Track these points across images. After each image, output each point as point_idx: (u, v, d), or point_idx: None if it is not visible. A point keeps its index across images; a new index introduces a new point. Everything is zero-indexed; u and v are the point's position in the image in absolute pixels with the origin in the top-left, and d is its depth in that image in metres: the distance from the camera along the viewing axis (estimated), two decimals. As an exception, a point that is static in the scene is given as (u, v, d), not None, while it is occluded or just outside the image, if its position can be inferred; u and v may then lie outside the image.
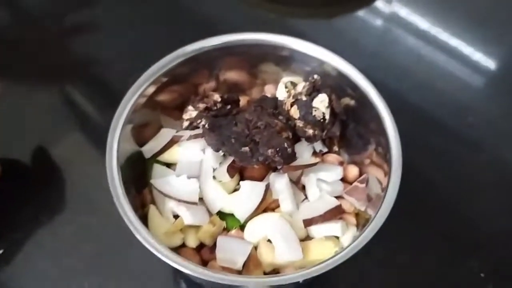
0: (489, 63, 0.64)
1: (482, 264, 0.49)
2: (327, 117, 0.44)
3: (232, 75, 0.50)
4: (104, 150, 0.40)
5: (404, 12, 0.68)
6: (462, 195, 0.53)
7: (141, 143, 0.45)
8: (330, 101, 0.44)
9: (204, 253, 0.41)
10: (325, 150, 0.47)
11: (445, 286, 0.48)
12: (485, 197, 0.53)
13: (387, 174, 0.41)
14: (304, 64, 0.48)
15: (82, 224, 0.50)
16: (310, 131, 0.43)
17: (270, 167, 0.43)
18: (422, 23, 0.66)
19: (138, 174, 0.44)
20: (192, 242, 0.41)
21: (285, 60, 0.48)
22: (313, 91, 0.44)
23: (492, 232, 0.51)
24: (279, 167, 0.42)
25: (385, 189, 0.39)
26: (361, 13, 0.68)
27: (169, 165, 0.44)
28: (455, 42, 0.65)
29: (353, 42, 0.65)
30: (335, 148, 0.47)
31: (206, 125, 0.42)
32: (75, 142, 0.56)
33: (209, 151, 0.42)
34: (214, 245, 0.41)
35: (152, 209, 0.42)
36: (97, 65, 0.62)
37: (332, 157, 0.46)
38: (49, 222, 0.50)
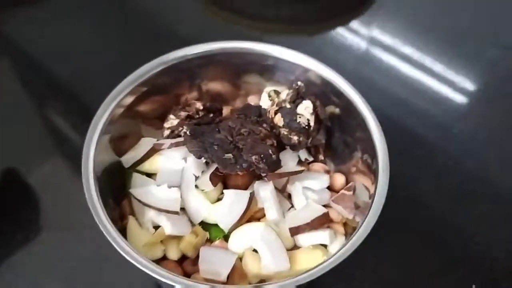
0: (469, 78, 0.64)
1: (473, 274, 0.48)
2: (312, 123, 0.43)
3: (215, 86, 0.49)
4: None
5: (383, 34, 0.68)
6: (450, 204, 0.53)
7: (121, 154, 0.44)
8: (315, 107, 0.43)
9: (187, 265, 0.39)
10: (311, 159, 0.46)
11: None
12: (473, 206, 0.53)
13: (374, 181, 0.40)
14: (287, 73, 0.47)
15: (58, 241, 0.48)
16: (295, 138, 0.42)
17: (255, 175, 0.41)
18: (401, 45, 0.67)
19: (117, 185, 0.43)
20: (173, 254, 0.39)
21: (268, 69, 0.48)
22: (297, 98, 0.44)
23: (482, 241, 0.50)
24: (263, 174, 0.40)
25: (372, 196, 0.38)
26: (340, 32, 0.68)
27: (149, 175, 0.43)
28: (433, 60, 0.65)
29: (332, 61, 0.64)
30: (321, 157, 0.47)
31: (188, 132, 0.40)
32: (51, 159, 0.54)
33: (191, 159, 0.41)
34: (197, 257, 0.39)
35: (131, 220, 0.40)
36: (72, 81, 0.60)
37: (318, 165, 0.45)
38: (24, 241, 0.48)
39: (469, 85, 0.63)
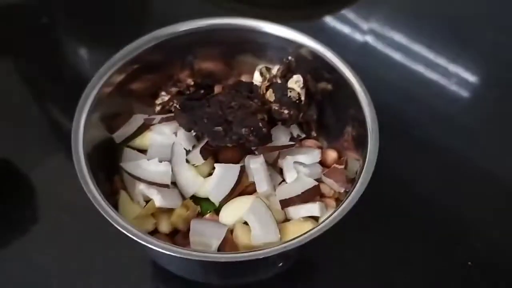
0: (468, 65, 0.64)
1: (469, 252, 0.48)
2: (303, 98, 0.43)
3: (207, 64, 0.49)
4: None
5: (383, 27, 0.67)
6: (445, 185, 0.52)
7: (113, 131, 0.44)
8: (305, 81, 0.43)
9: (178, 238, 0.39)
10: (303, 135, 0.46)
11: (432, 274, 0.47)
12: (468, 187, 0.52)
13: (366, 152, 0.39)
14: (280, 51, 0.47)
15: (53, 221, 0.48)
16: (286, 112, 0.42)
17: (245, 149, 0.41)
18: (398, 33, 0.66)
19: (110, 162, 0.43)
20: (164, 227, 0.39)
21: (260, 47, 0.48)
22: (287, 73, 0.44)
23: (477, 220, 0.50)
24: (254, 148, 0.40)
25: (362, 165, 0.38)
26: (335, 20, 0.68)
27: (141, 151, 0.43)
28: (432, 48, 0.65)
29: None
30: (313, 133, 0.46)
31: (178, 106, 0.40)
32: (42, 142, 0.54)
33: (181, 133, 0.41)
34: (188, 230, 0.39)
35: (122, 195, 0.40)
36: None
37: (310, 142, 0.45)
38: (20, 220, 0.48)
39: (468, 72, 0.63)
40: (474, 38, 0.66)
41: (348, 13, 0.68)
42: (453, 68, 0.63)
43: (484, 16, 0.69)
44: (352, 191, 0.36)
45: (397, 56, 0.64)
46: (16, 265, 0.46)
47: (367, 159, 0.37)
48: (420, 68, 0.63)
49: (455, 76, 0.62)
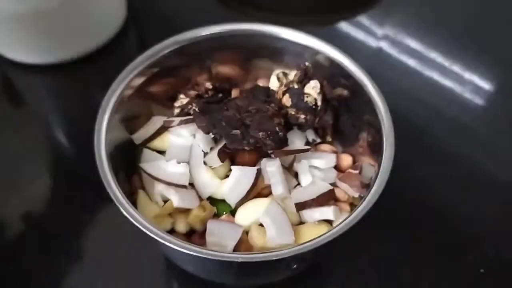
0: (479, 70, 0.64)
1: (481, 260, 0.48)
2: (319, 103, 0.44)
3: (225, 69, 0.50)
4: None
5: (398, 33, 0.68)
6: (458, 191, 0.53)
7: (133, 132, 0.45)
8: (322, 87, 0.43)
9: (194, 238, 0.40)
10: (318, 140, 0.46)
11: (444, 281, 0.47)
12: (481, 193, 0.53)
13: (381, 159, 0.40)
14: (297, 57, 0.48)
15: (72, 219, 0.49)
16: (302, 117, 0.43)
17: (262, 153, 0.42)
18: (413, 39, 0.67)
19: (129, 162, 0.44)
20: (182, 227, 0.40)
21: (278, 52, 0.48)
22: (304, 79, 0.44)
23: (490, 227, 0.50)
24: (270, 151, 0.41)
25: (377, 171, 0.38)
26: (351, 26, 0.68)
27: (159, 152, 0.44)
28: (444, 53, 0.65)
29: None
30: (329, 138, 0.47)
31: (197, 109, 0.41)
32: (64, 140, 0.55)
33: (200, 135, 0.41)
34: (205, 231, 0.39)
35: (141, 194, 0.41)
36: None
37: (325, 146, 0.46)
38: (38, 217, 0.49)
39: (483, 79, 0.63)
40: (490, 45, 0.66)
41: (362, 19, 0.69)
42: (468, 75, 0.63)
43: (500, 24, 0.69)
44: (366, 196, 0.36)
45: (411, 62, 0.64)
46: (36, 263, 0.46)
47: (382, 166, 0.38)
48: (434, 75, 0.63)
49: (469, 83, 0.62)
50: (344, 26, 0.68)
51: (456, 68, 0.64)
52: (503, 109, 0.61)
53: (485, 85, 0.63)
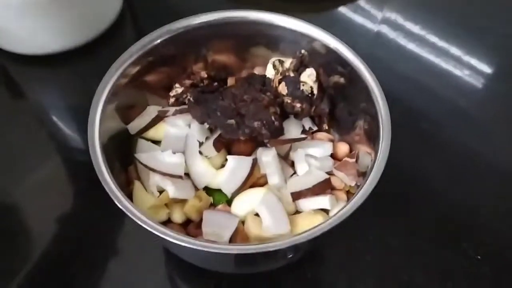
0: (479, 56, 0.63)
1: (477, 246, 0.48)
2: (315, 91, 0.43)
3: (221, 57, 0.49)
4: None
5: (397, 17, 0.67)
6: (453, 178, 0.52)
7: (128, 122, 0.45)
8: (318, 75, 0.43)
9: (191, 228, 0.40)
10: (315, 128, 0.46)
11: (440, 269, 0.47)
12: (477, 180, 0.52)
13: (378, 146, 0.40)
14: (293, 44, 0.47)
15: (68, 210, 0.49)
16: (298, 106, 0.43)
17: (257, 142, 0.42)
18: (412, 23, 0.66)
19: (124, 152, 0.43)
20: (178, 217, 0.40)
21: (274, 40, 0.48)
22: (300, 67, 0.44)
23: (485, 214, 0.50)
24: (266, 141, 0.41)
25: (374, 159, 0.38)
26: (351, 14, 0.67)
27: (155, 142, 0.43)
28: (442, 38, 0.64)
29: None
30: (325, 126, 0.47)
31: (192, 98, 0.41)
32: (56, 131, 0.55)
33: (195, 125, 0.41)
34: (201, 221, 0.40)
35: (137, 185, 0.41)
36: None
37: (321, 134, 0.46)
38: (32, 209, 0.49)
39: (481, 63, 0.62)
40: (488, 29, 0.65)
41: (362, 2, 0.68)
42: (466, 59, 0.62)
43: (500, 8, 0.68)
44: (363, 185, 0.36)
45: (410, 46, 0.64)
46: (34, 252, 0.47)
47: (379, 154, 0.38)
48: (433, 59, 0.62)
49: (467, 67, 0.62)
50: (343, 10, 0.67)
51: (455, 52, 0.63)
52: (501, 94, 0.60)
53: (483, 69, 0.62)
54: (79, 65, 0.60)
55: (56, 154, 0.54)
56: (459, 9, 0.68)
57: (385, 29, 0.65)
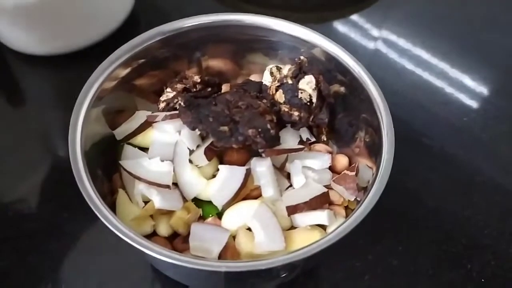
0: (482, 70, 0.62)
1: (482, 268, 0.46)
2: (314, 100, 0.41)
3: (216, 63, 0.48)
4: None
5: (395, 34, 0.66)
6: (458, 196, 0.51)
7: (115, 127, 0.42)
8: (317, 83, 0.41)
9: (177, 243, 0.37)
10: (313, 139, 0.44)
11: (442, 289, 0.44)
12: (482, 198, 0.50)
13: (378, 161, 0.37)
14: (291, 51, 0.45)
15: (49, 220, 0.46)
16: (296, 114, 0.40)
17: (252, 152, 0.39)
18: (411, 41, 0.64)
19: (109, 159, 0.41)
20: (163, 230, 0.37)
21: (271, 47, 0.46)
22: (299, 73, 0.42)
23: (491, 234, 0.48)
24: (261, 150, 0.38)
25: (375, 174, 0.36)
26: (349, 30, 0.66)
27: (142, 149, 0.41)
28: (444, 54, 0.63)
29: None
30: (324, 137, 0.45)
31: (182, 103, 0.38)
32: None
33: (185, 131, 0.39)
34: (188, 235, 0.37)
35: (120, 194, 0.38)
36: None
37: (320, 146, 0.43)
38: (15, 217, 0.46)
39: (480, 82, 0.61)
40: (488, 49, 0.64)
41: (359, 18, 0.67)
42: (465, 78, 0.61)
43: (499, 26, 0.67)
44: (364, 200, 0.34)
45: (408, 63, 0.62)
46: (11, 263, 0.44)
47: (381, 168, 0.35)
48: (432, 76, 0.61)
49: (467, 86, 0.60)
50: (340, 25, 0.66)
51: (453, 70, 0.62)
52: (503, 111, 0.59)
53: (483, 86, 0.61)
54: (88, 64, 0.57)
55: (44, 159, 0.51)
56: (458, 25, 0.67)
57: (382, 46, 0.64)
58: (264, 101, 0.41)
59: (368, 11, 0.68)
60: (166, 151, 0.39)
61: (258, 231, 0.36)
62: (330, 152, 0.43)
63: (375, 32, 0.65)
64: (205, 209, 0.38)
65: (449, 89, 0.60)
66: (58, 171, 0.49)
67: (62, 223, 0.46)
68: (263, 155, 0.39)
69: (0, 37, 0.58)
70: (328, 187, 0.40)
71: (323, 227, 0.38)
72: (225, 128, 0.37)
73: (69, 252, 0.44)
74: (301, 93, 0.41)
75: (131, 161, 0.38)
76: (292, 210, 0.37)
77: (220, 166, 0.38)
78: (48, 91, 0.58)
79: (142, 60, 0.43)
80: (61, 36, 0.56)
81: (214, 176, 0.39)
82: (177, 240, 0.38)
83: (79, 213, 0.46)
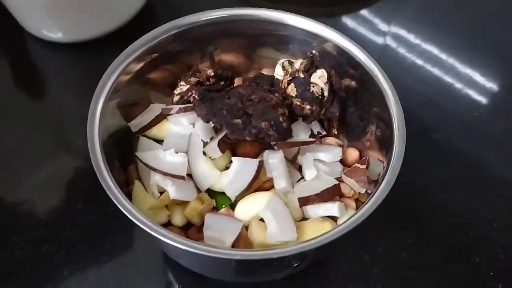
0: (491, 65, 0.62)
1: (490, 262, 0.46)
2: (326, 93, 0.41)
3: (228, 57, 0.48)
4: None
5: (404, 29, 0.66)
6: (466, 190, 0.51)
7: (130, 120, 0.43)
8: (329, 77, 0.41)
9: (191, 232, 0.38)
10: (324, 132, 0.44)
11: (451, 284, 0.45)
12: (491, 192, 0.51)
13: (391, 153, 0.38)
14: (303, 45, 0.45)
15: (64, 210, 0.47)
16: (308, 108, 0.41)
17: (264, 144, 0.40)
18: (422, 38, 0.64)
19: (125, 151, 0.42)
20: (178, 220, 0.38)
21: (283, 41, 0.46)
22: (311, 68, 0.42)
23: (500, 228, 0.48)
24: (273, 142, 0.39)
25: (386, 167, 0.36)
26: (358, 26, 0.66)
27: (157, 141, 0.42)
28: (454, 50, 0.63)
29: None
30: (334, 131, 0.45)
31: (197, 96, 0.39)
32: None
33: (199, 124, 0.39)
34: (202, 225, 0.38)
35: (137, 184, 0.39)
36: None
37: (331, 139, 0.44)
38: (29, 208, 0.47)
39: (489, 77, 0.61)
40: (498, 43, 0.64)
41: (369, 13, 0.67)
42: (475, 74, 0.61)
43: (509, 23, 0.67)
44: (375, 192, 0.34)
45: (417, 59, 0.62)
46: (26, 251, 0.45)
47: (392, 161, 0.36)
48: (440, 73, 0.61)
49: (476, 81, 0.60)
50: (350, 20, 0.66)
51: (463, 65, 0.62)
52: (511, 106, 0.59)
53: (493, 81, 0.61)
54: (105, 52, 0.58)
55: (61, 148, 0.52)
56: (468, 21, 0.67)
57: (392, 41, 0.64)
58: (276, 94, 0.42)
59: (378, 6, 0.68)
60: (181, 143, 0.40)
61: (271, 221, 0.36)
62: (341, 146, 0.44)
63: (384, 27, 0.65)
64: (218, 200, 0.39)
65: (458, 84, 0.60)
66: (74, 162, 0.50)
67: (77, 213, 0.47)
68: (275, 147, 0.39)
69: (23, 23, 0.59)
70: (339, 179, 0.41)
71: (334, 218, 0.39)
72: (239, 120, 0.38)
73: (83, 241, 0.45)
74: (313, 87, 0.41)
75: (147, 152, 0.39)
76: (304, 201, 0.38)
77: (233, 158, 0.39)
78: (66, 79, 0.59)
79: (156, 54, 0.43)
80: (78, 24, 0.58)
81: (227, 168, 0.40)
82: (192, 230, 0.38)
83: (93, 203, 0.47)
